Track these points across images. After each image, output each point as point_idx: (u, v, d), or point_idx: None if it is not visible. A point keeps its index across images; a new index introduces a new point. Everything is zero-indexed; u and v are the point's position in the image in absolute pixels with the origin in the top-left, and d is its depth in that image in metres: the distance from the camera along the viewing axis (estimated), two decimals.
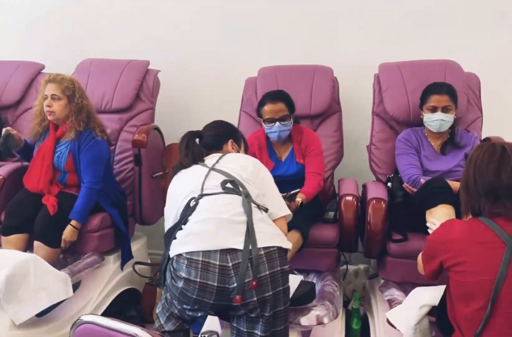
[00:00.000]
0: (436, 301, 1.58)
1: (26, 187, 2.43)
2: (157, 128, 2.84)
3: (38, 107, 2.46)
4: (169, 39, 3.17)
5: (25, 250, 2.30)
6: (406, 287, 2.09)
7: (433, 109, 2.30)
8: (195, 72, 3.16)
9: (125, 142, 2.79)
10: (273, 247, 1.51)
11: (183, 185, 1.72)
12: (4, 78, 3.02)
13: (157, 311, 1.68)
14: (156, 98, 3.01)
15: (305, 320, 1.79)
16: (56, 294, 2.03)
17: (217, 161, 1.73)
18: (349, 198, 2.24)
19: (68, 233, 2.29)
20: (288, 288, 1.57)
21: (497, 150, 1.43)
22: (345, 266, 2.63)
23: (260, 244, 1.48)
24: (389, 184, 2.39)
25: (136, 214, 2.74)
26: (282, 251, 1.55)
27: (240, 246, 1.46)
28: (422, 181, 2.18)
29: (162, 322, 1.64)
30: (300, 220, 2.12)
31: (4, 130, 2.39)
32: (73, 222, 2.30)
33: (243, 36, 3.09)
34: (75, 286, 2.25)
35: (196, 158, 1.77)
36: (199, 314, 1.56)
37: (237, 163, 1.73)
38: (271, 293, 1.48)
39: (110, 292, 2.42)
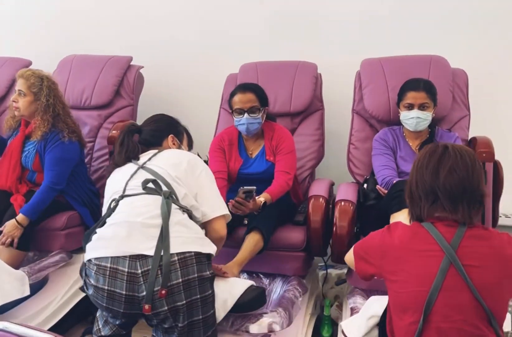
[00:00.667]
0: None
1: None
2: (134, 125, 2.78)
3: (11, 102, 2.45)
4: (154, 36, 3.13)
5: None
6: (373, 294, 1.98)
7: (410, 107, 2.17)
8: (179, 69, 3.11)
9: (103, 139, 2.75)
10: (190, 252, 1.42)
11: (110, 185, 1.65)
12: None
13: (97, 314, 1.63)
14: (139, 95, 2.96)
15: (254, 328, 1.71)
16: (10, 292, 1.99)
17: (149, 159, 1.65)
18: (318, 199, 2.14)
19: (9, 226, 2.17)
20: (210, 295, 1.47)
21: (438, 150, 1.32)
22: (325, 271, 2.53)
23: (174, 249, 1.39)
24: (365, 185, 2.28)
25: None
26: (201, 256, 1.45)
27: (151, 252, 1.38)
28: None
29: (100, 326, 1.58)
30: (262, 221, 2.03)
31: None
32: (19, 217, 2.19)
33: (228, 33, 3.02)
34: (39, 285, 2.21)
35: (130, 156, 1.68)
36: (118, 322, 1.48)
37: (169, 160, 1.64)
38: (184, 302, 1.39)
39: (77, 291, 2.38)
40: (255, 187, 2.00)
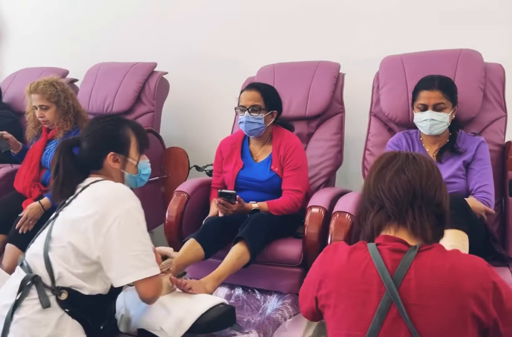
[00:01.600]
0: None
1: (14, 186, 2.49)
2: (152, 131, 2.75)
3: (30, 114, 2.54)
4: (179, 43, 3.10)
5: (1, 251, 2.33)
6: None
7: (423, 108, 1.91)
8: (203, 74, 3.05)
9: None
10: None
11: None
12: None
13: None
14: (162, 100, 2.94)
15: None
16: None
17: (67, 203, 1.41)
18: (315, 210, 1.95)
19: (33, 208, 2.18)
20: None
21: (388, 155, 1.11)
22: None
23: None
24: None
25: None
26: None
27: None
28: None
29: None
30: (251, 231, 1.88)
31: None
32: (43, 200, 2.22)
33: (252, 36, 2.91)
34: None
35: (64, 192, 1.43)
36: None
37: (79, 211, 1.35)
38: None
39: None
40: (235, 192, 1.89)
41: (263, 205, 2.00)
